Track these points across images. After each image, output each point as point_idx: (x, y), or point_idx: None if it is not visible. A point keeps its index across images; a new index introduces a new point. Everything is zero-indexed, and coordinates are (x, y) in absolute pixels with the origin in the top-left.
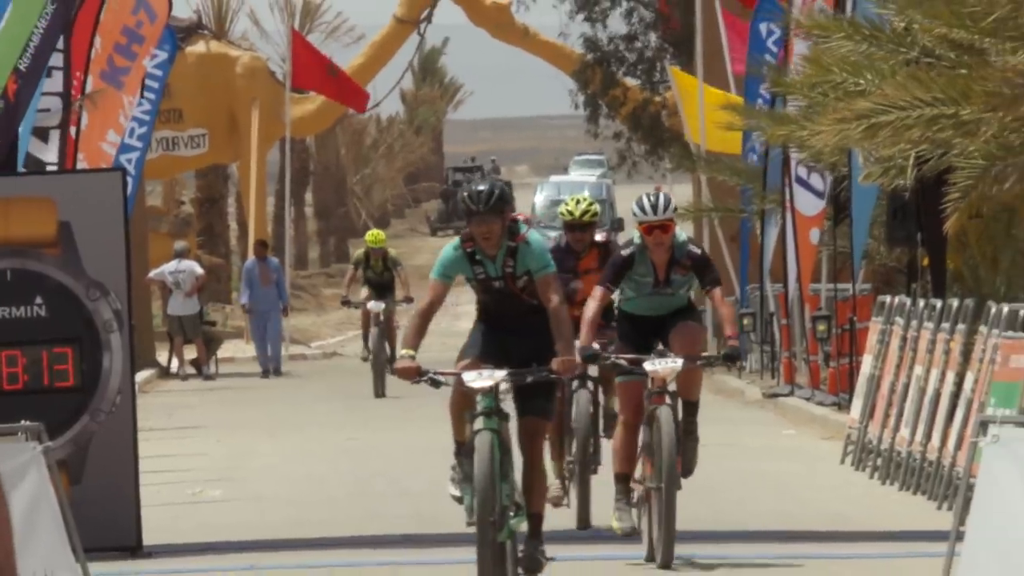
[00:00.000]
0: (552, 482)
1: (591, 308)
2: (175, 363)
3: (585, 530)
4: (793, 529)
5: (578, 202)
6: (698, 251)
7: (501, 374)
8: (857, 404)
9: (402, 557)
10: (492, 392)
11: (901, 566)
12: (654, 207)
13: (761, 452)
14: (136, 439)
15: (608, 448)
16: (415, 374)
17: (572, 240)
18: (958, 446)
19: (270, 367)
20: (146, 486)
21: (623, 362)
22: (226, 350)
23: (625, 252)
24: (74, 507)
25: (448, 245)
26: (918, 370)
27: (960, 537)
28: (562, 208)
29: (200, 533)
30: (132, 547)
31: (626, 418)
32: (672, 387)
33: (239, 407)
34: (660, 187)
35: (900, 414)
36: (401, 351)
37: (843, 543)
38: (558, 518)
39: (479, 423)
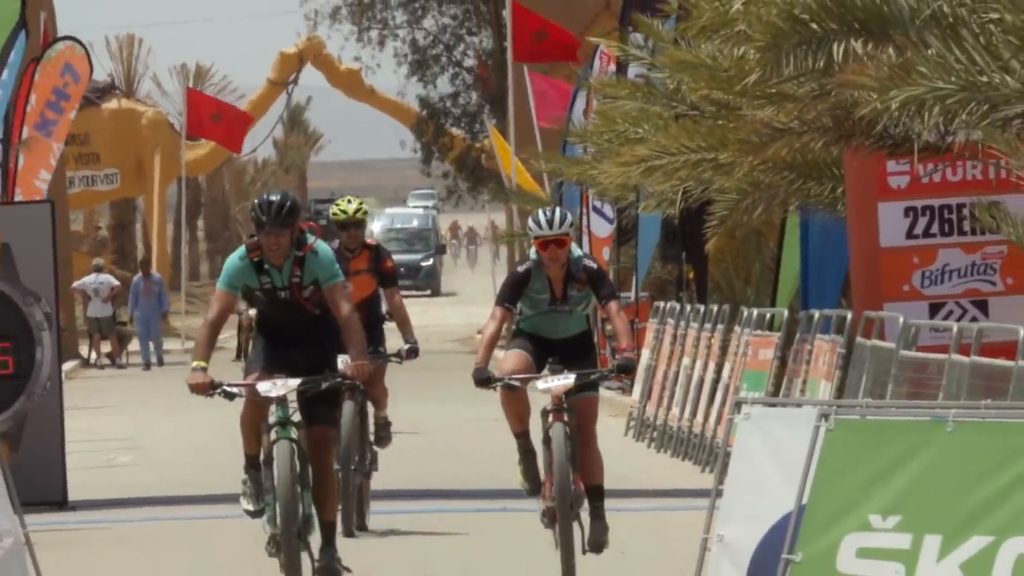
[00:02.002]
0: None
1: (490, 328)
2: (94, 355)
3: (351, 536)
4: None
5: (349, 201)
6: (594, 265)
7: (295, 382)
8: (637, 388)
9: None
10: (285, 401)
11: (672, 517)
12: (550, 222)
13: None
14: (63, 416)
15: (381, 455)
16: (208, 388)
17: (346, 238)
18: (718, 421)
19: (151, 360)
20: (71, 453)
21: (516, 383)
22: (134, 345)
23: (521, 268)
24: (13, 470)
25: (234, 254)
26: (686, 361)
27: (719, 494)
28: (334, 209)
29: (113, 491)
30: (60, 502)
31: (512, 428)
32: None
33: (144, 391)
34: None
35: (671, 396)
36: (193, 363)
37: (625, 499)
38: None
39: (276, 433)
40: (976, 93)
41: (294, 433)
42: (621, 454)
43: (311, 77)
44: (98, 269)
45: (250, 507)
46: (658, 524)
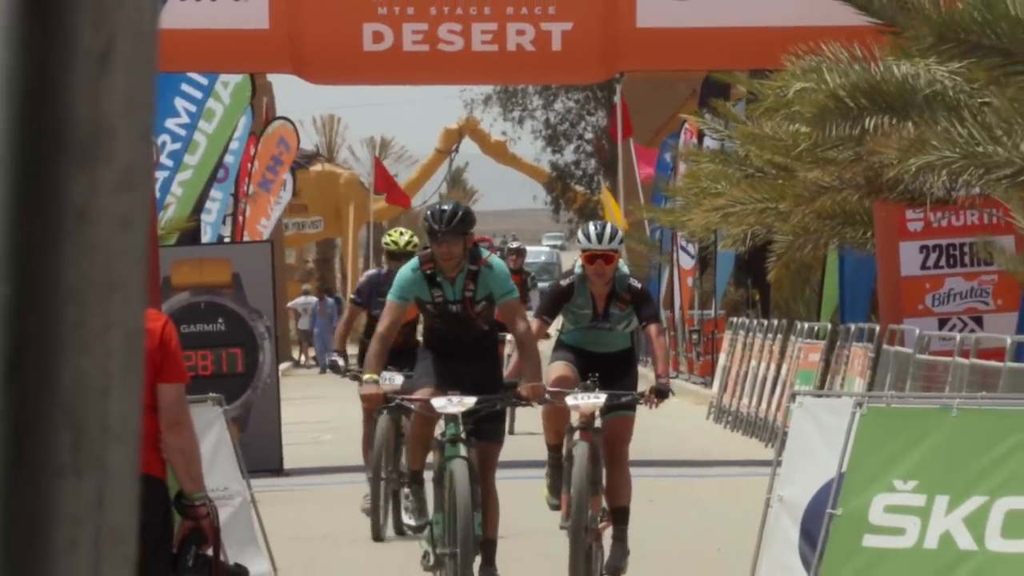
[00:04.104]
0: (366, 493)
1: None
2: (303, 359)
3: (379, 540)
4: (676, 459)
5: (401, 233)
6: (638, 285)
7: (471, 400)
8: (716, 383)
9: None
10: (458, 419)
11: (743, 481)
12: (599, 236)
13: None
14: (279, 404)
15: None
16: (381, 400)
17: (394, 268)
18: (778, 408)
19: (325, 365)
20: (286, 432)
21: (549, 399)
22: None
23: (564, 282)
24: (242, 445)
25: (406, 266)
26: (753, 363)
27: (779, 464)
28: (386, 239)
29: (318, 461)
30: (277, 469)
31: (547, 440)
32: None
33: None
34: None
35: (743, 389)
36: (364, 376)
37: (707, 467)
38: (350, 550)
39: (450, 451)
40: (974, 160)
41: (463, 451)
42: (704, 433)
43: (468, 147)
44: (306, 293)
45: (412, 522)
46: (732, 487)
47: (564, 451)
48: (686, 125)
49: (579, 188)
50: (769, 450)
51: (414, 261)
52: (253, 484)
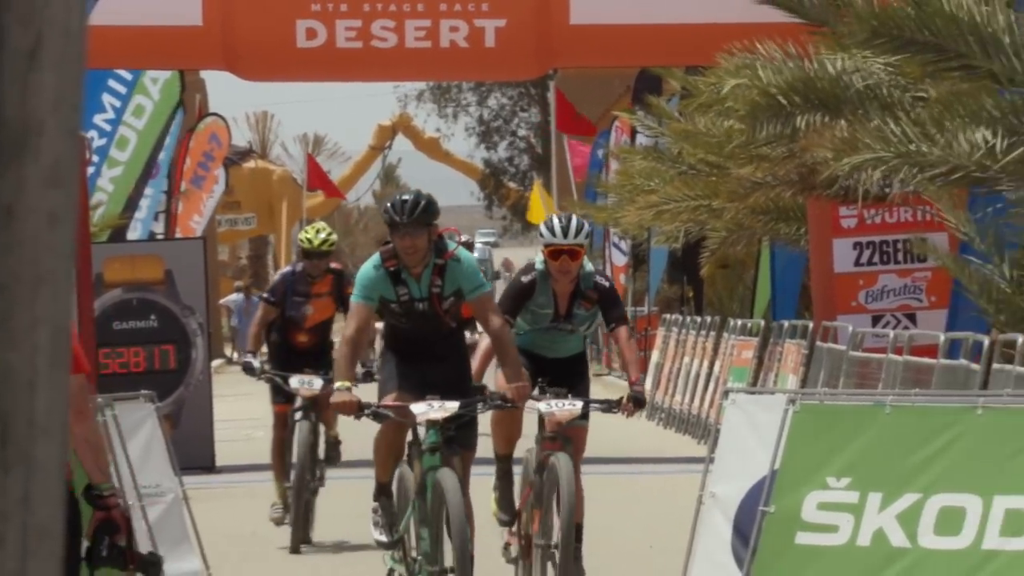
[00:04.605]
0: (275, 502)
1: (485, 340)
2: (235, 355)
3: (297, 553)
4: (609, 456)
5: (318, 231)
6: (606, 283)
7: (454, 405)
8: (649, 379)
9: None
10: (439, 426)
11: (676, 478)
12: (565, 229)
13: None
14: (212, 401)
15: (329, 474)
16: (356, 408)
17: (308, 266)
18: (711, 405)
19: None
20: (218, 429)
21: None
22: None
23: (525, 278)
24: (174, 442)
25: (367, 264)
26: (686, 359)
27: (712, 461)
28: (302, 236)
29: (250, 458)
30: (209, 466)
31: (497, 450)
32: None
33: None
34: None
35: (675, 386)
36: (336, 384)
37: (640, 464)
38: (279, 545)
39: (429, 460)
40: (908, 159)
41: (440, 459)
42: (637, 430)
43: (402, 143)
44: (238, 290)
45: (383, 538)
46: (665, 484)
47: (535, 462)
48: (616, 122)
49: (512, 185)
50: (702, 447)
51: (375, 258)
52: (185, 481)
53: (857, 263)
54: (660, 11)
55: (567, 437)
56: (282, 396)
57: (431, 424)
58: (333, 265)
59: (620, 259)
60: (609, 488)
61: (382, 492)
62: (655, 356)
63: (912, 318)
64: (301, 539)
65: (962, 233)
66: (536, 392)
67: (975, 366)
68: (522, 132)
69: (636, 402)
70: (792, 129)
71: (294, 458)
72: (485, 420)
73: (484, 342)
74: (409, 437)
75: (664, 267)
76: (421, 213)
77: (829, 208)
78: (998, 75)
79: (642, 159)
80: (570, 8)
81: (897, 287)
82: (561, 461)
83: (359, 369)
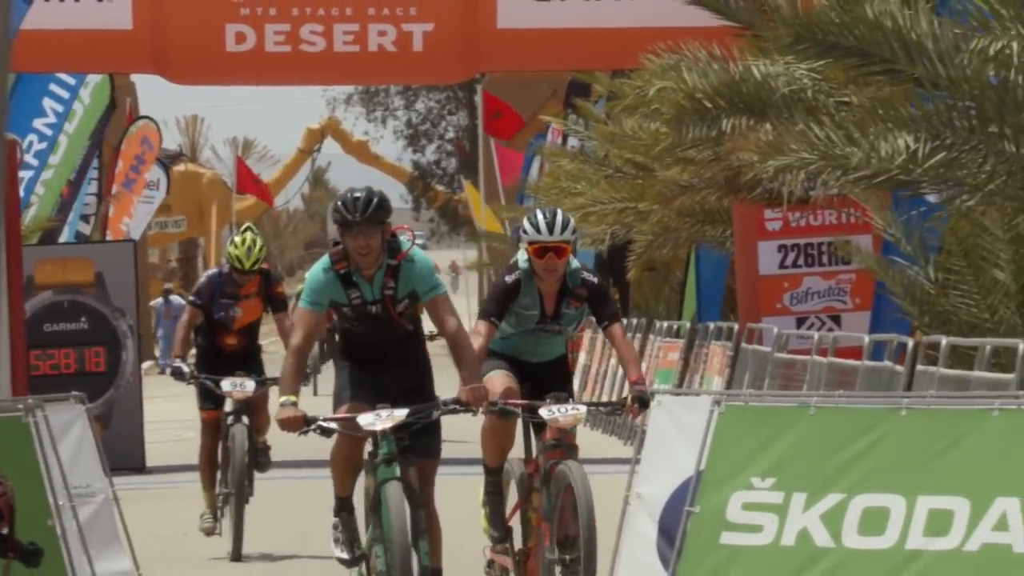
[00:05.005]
0: (204, 512)
1: (477, 346)
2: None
3: (238, 561)
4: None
5: (249, 248)
6: (594, 280)
7: (403, 413)
8: (577, 381)
9: None
10: (391, 436)
11: (602, 479)
12: (550, 225)
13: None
14: (142, 402)
15: (263, 482)
16: (302, 423)
17: (237, 276)
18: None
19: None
20: (148, 430)
21: (513, 410)
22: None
23: (509, 279)
24: (104, 443)
25: (316, 266)
26: (612, 362)
27: (638, 462)
28: (232, 252)
29: (179, 459)
30: (139, 467)
31: (488, 463)
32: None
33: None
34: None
35: (602, 387)
36: (281, 398)
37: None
38: (213, 549)
39: (383, 472)
40: (832, 162)
41: (400, 472)
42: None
43: (331, 146)
44: (168, 292)
45: (344, 555)
46: (592, 484)
47: (541, 473)
48: (552, 125)
49: (440, 187)
50: (628, 448)
51: (324, 260)
52: (116, 482)
53: (782, 265)
54: (586, 15)
55: (571, 444)
56: (210, 401)
57: (383, 435)
58: (262, 266)
59: None
60: None
61: (343, 507)
62: (582, 358)
63: (836, 320)
64: (240, 548)
65: (888, 234)
66: (549, 400)
67: (899, 368)
68: (449, 135)
69: (641, 402)
70: (718, 132)
71: (232, 464)
72: (471, 428)
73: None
74: (370, 447)
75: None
76: (374, 211)
77: (754, 211)
78: (922, 80)
79: (569, 162)
80: (497, 12)
81: (821, 289)
82: (572, 469)
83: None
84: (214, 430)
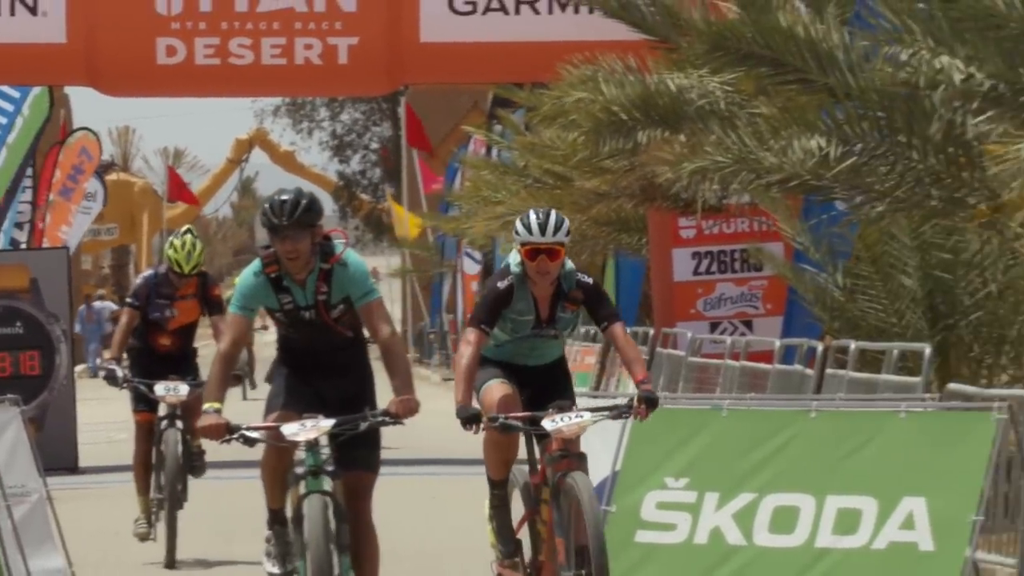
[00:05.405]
0: (138, 517)
1: (466, 356)
2: (98, 360)
3: (171, 568)
4: (454, 457)
5: (188, 253)
6: (589, 280)
7: (328, 423)
8: None
9: None
10: (317, 446)
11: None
12: (543, 227)
13: (439, 413)
14: (75, 404)
15: (194, 485)
16: (224, 431)
17: (174, 277)
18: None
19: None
20: (81, 432)
21: (516, 423)
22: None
23: (502, 284)
24: (38, 444)
25: (247, 270)
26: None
27: None
28: (171, 255)
29: (112, 459)
30: (72, 467)
31: (492, 476)
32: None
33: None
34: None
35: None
36: (205, 405)
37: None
38: (146, 552)
39: (307, 485)
40: (745, 165)
41: (328, 484)
42: (483, 433)
43: (259, 156)
44: (100, 298)
45: (276, 570)
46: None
47: (551, 486)
48: (475, 136)
49: (365, 197)
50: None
51: (256, 264)
52: (49, 482)
53: (696, 272)
54: (507, 29)
55: (580, 453)
56: (144, 404)
57: (308, 446)
58: (200, 269)
59: (472, 268)
60: (454, 488)
61: (275, 520)
62: None
63: (749, 325)
64: (174, 555)
65: (798, 242)
66: (552, 410)
67: (809, 371)
68: (374, 146)
69: (648, 403)
70: (634, 143)
71: (165, 468)
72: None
73: (464, 361)
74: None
75: None
76: (302, 214)
77: (669, 219)
78: (834, 89)
79: (490, 171)
80: (420, 27)
81: (734, 295)
82: (579, 482)
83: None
84: (148, 433)
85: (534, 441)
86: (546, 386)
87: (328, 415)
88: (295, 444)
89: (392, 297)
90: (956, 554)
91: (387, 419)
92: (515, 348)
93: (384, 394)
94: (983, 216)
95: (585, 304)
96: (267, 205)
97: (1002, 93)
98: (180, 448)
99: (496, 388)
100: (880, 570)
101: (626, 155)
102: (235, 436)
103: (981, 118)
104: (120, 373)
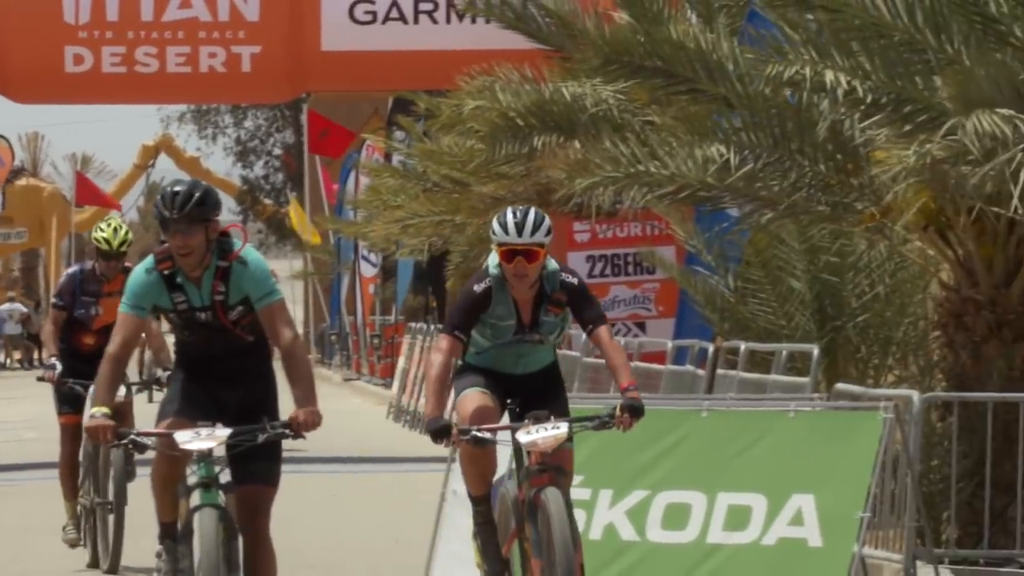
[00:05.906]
0: (66, 523)
1: (437, 364)
2: (8, 361)
3: (95, 567)
4: (358, 456)
5: (115, 230)
6: (574, 281)
7: (224, 433)
8: (396, 383)
9: None
10: (210, 457)
11: (420, 477)
12: (519, 226)
13: (340, 413)
14: None
15: (133, 489)
16: (112, 435)
17: (104, 268)
18: (454, 408)
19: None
20: None
21: (487, 436)
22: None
23: (478, 287)
24: None
25: (139, 266)
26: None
27: (454, 460)
28: (97, 236)
29: (21, 458)
30: None
31: (471, 492)
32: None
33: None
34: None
35: (420, 389)
36: (92, 408)
37: (386, 464)
38: (57, 549)
39: (198, 497)
40: (637, 179)
41: (221, 498)
42: (384, 432)
43: (164, 162)
44: (11, 300)
45: None
46: (409, 481)
47: (526, 503)
48: (368, 142)
49: (268, 201)
50: (445, 448)
51: (148, 260)
52: None
53: (590, 275)
54: (407, 39)
55: (559, 467)
56: (68, 406)
57: (199, 456)
58: (126, 264)
59: (370, 271)
60: (358, 486)
61: (166, 534)
62: (401, 362)
63: (642, 326)
64: (119, 561)
65: (690, 245)
66: (528, 421)
67: (701, 371)
68: (277, 151)
69: (632, 411)
70: (529, 149)
71: (112, 472)
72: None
73: (435, 370)
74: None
75: (410, 278)
76: (195, 207)
77: (564, 223)
78: (728, 98)
79: (390, 177)
80: (321, 36)
81: (627, 297)
82: (550, 498)
83: (162, 373)
84: (74, 435)
85: (523, 454)
86: (535, 395)
87: (226, 424)
88: (188, 453)
89: (295, 299)
90: (844, 550)
91: (287, 432)
92: (498, 355)
93: (286, 403)
94: (871, 220)
95: (570, 306)
96: (160, 196)
97: (885, 102)
98: (122, 451)
99: (471, 398)
100: (770, 566)
101: (522, 160)
102: (125, 441)
103: (866, 122)
104: (60, 367)
